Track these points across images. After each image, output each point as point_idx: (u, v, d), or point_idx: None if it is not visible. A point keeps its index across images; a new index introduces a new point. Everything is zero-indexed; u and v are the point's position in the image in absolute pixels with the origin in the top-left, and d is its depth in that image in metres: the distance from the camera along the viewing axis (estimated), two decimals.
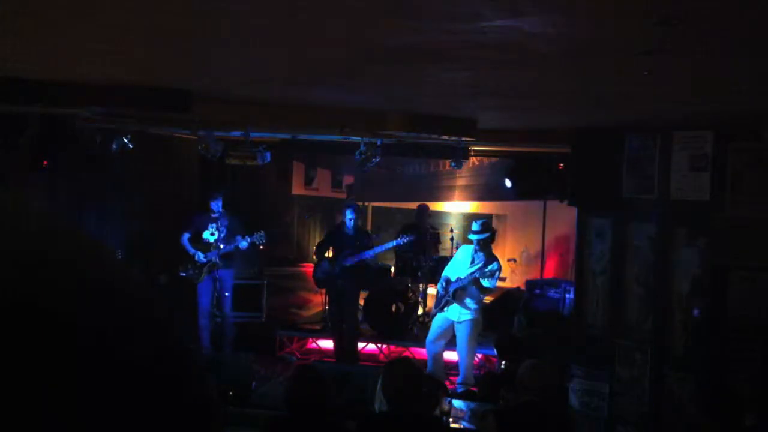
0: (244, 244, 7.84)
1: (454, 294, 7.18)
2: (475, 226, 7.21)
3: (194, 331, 7.91)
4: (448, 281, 7.27)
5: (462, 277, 7.14)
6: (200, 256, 7.88)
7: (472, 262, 7.20)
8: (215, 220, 7.94)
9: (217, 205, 7.92)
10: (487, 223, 7.28)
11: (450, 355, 7.71)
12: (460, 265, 7.31)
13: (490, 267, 7.01)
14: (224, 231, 7.88)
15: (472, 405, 5.91)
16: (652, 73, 3.63)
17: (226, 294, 8.01)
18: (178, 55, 4.07)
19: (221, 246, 7.85)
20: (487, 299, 9.52)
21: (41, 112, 6.36)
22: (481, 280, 7.01)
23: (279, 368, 7.99)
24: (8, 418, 0.40)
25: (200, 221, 8.02)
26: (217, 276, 7.94)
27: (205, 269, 7.90)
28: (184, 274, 7.95)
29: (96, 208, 8.16)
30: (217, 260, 7.88)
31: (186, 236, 7.98)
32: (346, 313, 8.07)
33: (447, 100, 5.27)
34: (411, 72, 4.11)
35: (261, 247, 8.14)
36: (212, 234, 7.95)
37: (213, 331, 8.08)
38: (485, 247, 7.15)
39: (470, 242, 7.34)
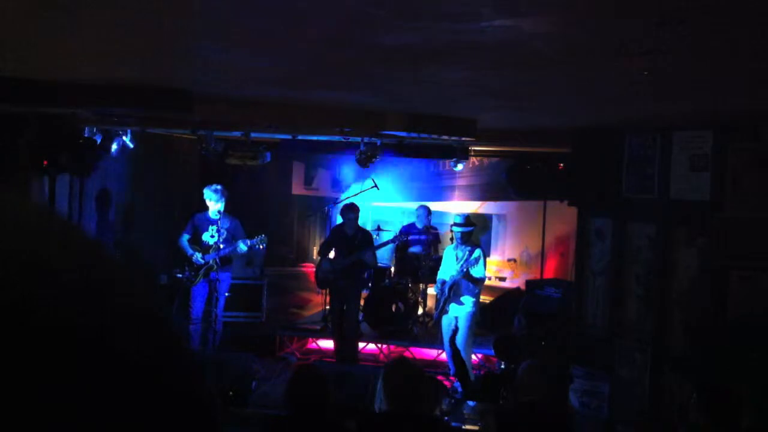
0: (243, 248, 7.65)
1: (450, 292, 7.31)
2: (458, 219, 7.53)
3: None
4: (443, 283, 7.40)
5: (454, 274, 7.30)
6: (198, 257, 7.67)
7: (458, 258, 7.41)
8: (215, 222, 7.74)
9: (214, 210, 7.70)
10: (469, 217, 7.60)
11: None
12: (449, 264, 7.51)
13: (473, 256, 7.28)
14: (224, 233, 7.69)
15: (448, 402, 5.95)
16: (652, 73, 3.63)
17: (222, 296, 7.80)
18: (179, 55, 4.07)
19: (221, 246, 7.69)
20: (487, 299, 9.54)
21: (41, 112, 6.36)
22: (470, 271, 7.23)
23: (279, 368, 7.98)
24: (6, 419, 0.40)
25: (200, 222, 7.82)
26: (213, 278, 7.74)
27: (201, 272, 7.70)
28: (180, 276, 7.75)
29: (95, 208, 8.16)
30: (216, 263, 7.69)
31: (185, 237, 7.78)
32: (346, 313, 8.06)
33: (447, 100, 5.27)
34: (411, 72, 4.11)
35: (261, 247, 8.07)
36: (212, 236, 7.75)
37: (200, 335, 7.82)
38: (467, 240, 7.42)
39: (451, 241, 7.68)
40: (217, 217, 7.71)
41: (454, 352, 7.36)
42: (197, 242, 7.79)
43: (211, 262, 7.69)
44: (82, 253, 0.51)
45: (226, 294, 8.35)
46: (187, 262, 7.74)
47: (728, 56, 3.35)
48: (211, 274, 7.74)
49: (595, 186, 6.47)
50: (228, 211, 7.81)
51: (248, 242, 7.66)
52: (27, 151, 6.72)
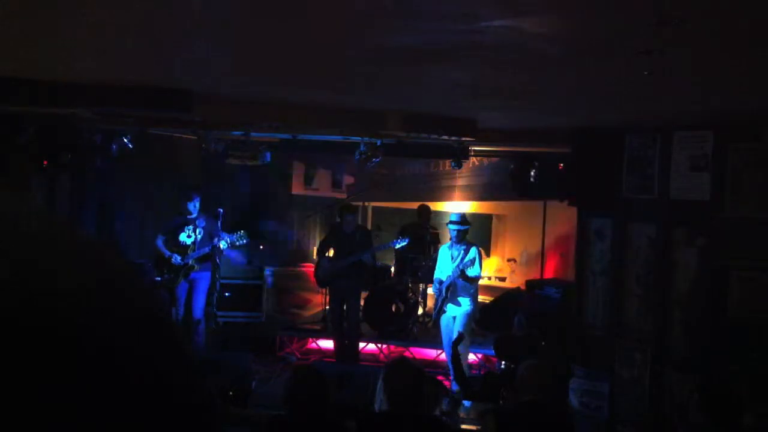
0: (224, 244, 7.56)
1: (447, 292, 7.29)
2: (454, 217, 7.47)
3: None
4: (440, 282, 7.39)
5: (450, 274, 7.28)
6: (177, 258, 7.55)
7: (453, 257, 7.38)
8: (192, 222, 7.64)
9: (194, 206, 7.59)
10: (464, 216, 7.53)
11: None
12: (445, 264, 7.48)
13: (469, 256, 7.22)
14: (201, 233, 7.59)
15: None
16: (652, 73, 3.62)
17: (201, 296, 7.67)
18: (179, 55, 4.07)
19: (221, 247, 7.62)
20: (487, 299, 9.54)
21: (41, 112, 6.35)
22: (466, 271, 7.19)
23: (279, 368, 7.98)
24: (7, 419, 0.40)
25: (176, 223, 7.72)
26: (192, 279, 7.65)
27: (181, 273, 7.58)
28: (159, 279, 7.59)
29: (95, 208, 8.15)
30: (195, 263, 7.59)
31: (161, 239, 7.67)
32: (346, 312, 8.06)
33: (447, 100, 5.27)
34: (411, 72, 4.11)
35: (261, 247, 8.03)
36: (189, 236, 7.64)
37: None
38: (462, 238, 7.38)
39: (447, 240, 7.62)
40: (194, 216, 7.63)
41: (453, 354, 7.36)
42: (174, 243, 7.67)
43: (191, 262, 7.61)
44: (82, 254, 0.51)
45: (226, 294, 8.34)
46: (166, 265, 7.62)
47: (728, 56, 3.35)
48: (191, 274, 7.66)
49: (595, 186, 6.47)
50: (205, 211, 7.71)
51: (228, 239, 7.57)
52: (27, 151, 6.71)
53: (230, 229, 7.76)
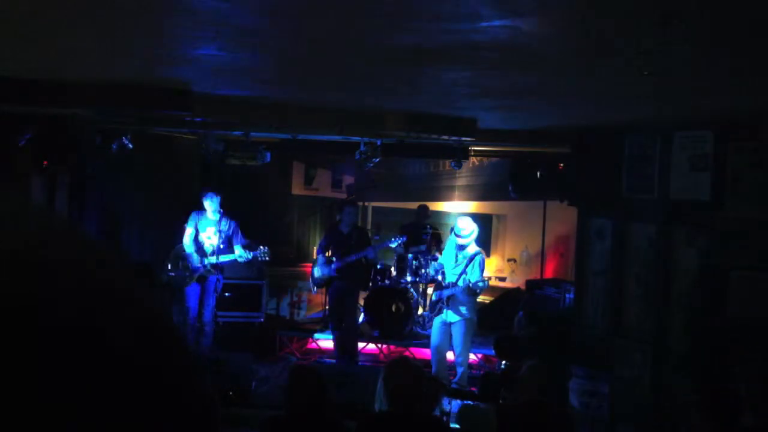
0: (242, 259, 7.55)
1: (447, 299, 7.21)
2: (458, 229, 7.27)
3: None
4: (440, 284, 7.32)
5: (451, 281, 7.19)
6: (195, 261, 7.49)
7: (457, 258, 7.26)
8: (215, 224, 7.56)
9: (211, 211, 7.54)
10: (469, 228, 7.28)
11: (449, 356, 7.72)
12: (449, 258, 7.40)
13: (472, 264, 7.10)
14: (223, 239, 7.54)
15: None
16: (652, 73, 3.63)
17: (211, 296, 7.66)
18: (179, 55, 4.07)
19: (222, 246, 7.58)
20: (487, 299, 9.54)
21: (41, 112, 6.36)
22: (471, 287, 7.05)
23: (279, 368, 7.98)
24: (6, 419, 0.40)
25: (199, 221, 7.62)
26: (204, 281, 7.62)
27: (196, 275, 7.53)
28: (173, 274, 7.54)
29: (95, 208, 8.15)
30: (211, 268, 7.54)
31: (192, 234, 7.56)
32: (345, 312, 8.06)
33: (447, 100, 5.27)
34: (411, 72, 4.11)
35: (261, 247, 8.00)
36: (209, 237, 7.57)
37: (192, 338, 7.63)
38: (465, 247, 7.26)
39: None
40: (217, 217, 7.59)
41: (441, 358, 7.32)
42: (195, 241, 7.62)
43: (208, 266, 7.54)
44: (83, 254, 0.51)
45: (227, 294, 8.33)
46: (183, 261, 7.57)
47: (729, 56, 3.35)
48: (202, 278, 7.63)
49: (595, 186, 6.47)
50: (227, 212, 7.69)
51: (250, 255, 7.53)
52: (27, 151, 6.72)
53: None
